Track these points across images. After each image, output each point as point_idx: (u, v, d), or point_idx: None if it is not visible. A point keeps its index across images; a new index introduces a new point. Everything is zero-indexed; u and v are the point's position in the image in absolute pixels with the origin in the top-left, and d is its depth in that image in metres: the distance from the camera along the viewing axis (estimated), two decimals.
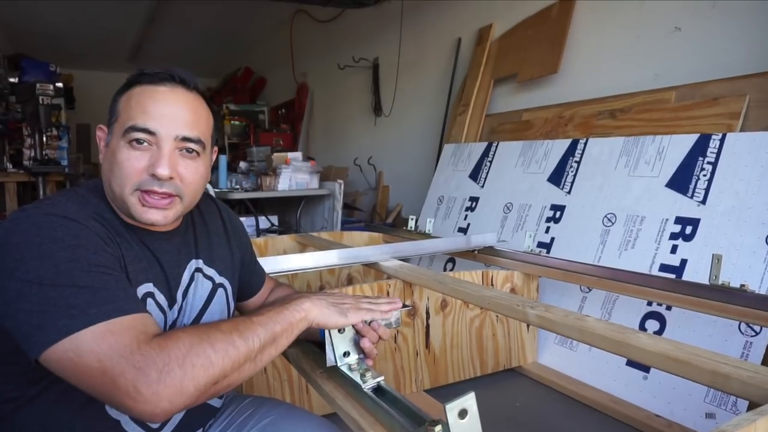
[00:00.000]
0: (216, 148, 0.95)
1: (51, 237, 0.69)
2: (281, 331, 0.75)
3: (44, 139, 4.00)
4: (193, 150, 0.83)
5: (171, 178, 0.79)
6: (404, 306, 0.99)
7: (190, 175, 0.83)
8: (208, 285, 0.94)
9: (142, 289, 0.79)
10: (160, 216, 0.81)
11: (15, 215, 0.72)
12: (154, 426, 0.83)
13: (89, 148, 7.43)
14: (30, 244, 0.68)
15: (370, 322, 0.91)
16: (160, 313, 0.82)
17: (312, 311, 0.80)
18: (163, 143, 0.79)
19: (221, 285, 0.96)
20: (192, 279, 0.91)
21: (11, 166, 4.05)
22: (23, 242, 0.68)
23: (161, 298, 0.83)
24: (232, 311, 1.00)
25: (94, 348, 0.62)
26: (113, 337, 0.63)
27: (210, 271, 0.95)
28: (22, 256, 0.67)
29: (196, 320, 0.90)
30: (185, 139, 0.81)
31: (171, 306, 0.85)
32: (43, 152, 3.98)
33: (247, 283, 1.11)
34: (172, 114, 0.80)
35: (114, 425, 0.79)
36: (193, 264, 0.92)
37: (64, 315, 0.64)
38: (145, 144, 0.78)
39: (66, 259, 0.67)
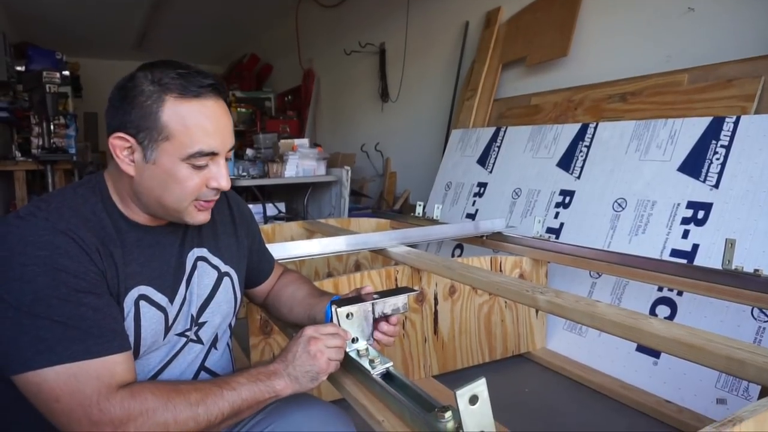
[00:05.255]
0: None
1: (35, 258, 0.69)
2: (246, 408, 0.77)
3: (52, 127, 4.00)
4: None
5: None
6: (411, 291, 0.99)
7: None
8: (214, 274, 0.94)
9: (134, 293, 0.80)
10: (208, 215, 0.87)
11: (9, 221, 0.73)
12: None
13: (97, 137, 7.43)
14: (14, 264, 0.69)
15: (384, 317, 0.92)
16: (159, 312, 0.83)
17: (284, 392, 0.81)
18: (221, 159, 0.83)
19: (227, 274, 0.97)
20: (194, 267, 0.91)
21: (20, 155, 4.06)
22: (10, 259, 0.69)
23: (159, 296, 0.83)
24: (239, 299, 1.00)
25: (54, 388, 0.66)
26: (77, 383, 0.66)
27: (215, 260, 0.95)
28: (6, 275, 0.69)
29: (202, 309, 0.91)
30: (231, 148, 0.85)
31: (172, 301, 0.85)
32: (51, 141, 3.98)
33: (256, 270, 1.11)
34: (225, 130, 0.82)
35: None
36: (196, 252, 0.92)
37: (30, 348, 0.66)
38: (206, 163, 0.81)
39: (46, 286, 0.69)
